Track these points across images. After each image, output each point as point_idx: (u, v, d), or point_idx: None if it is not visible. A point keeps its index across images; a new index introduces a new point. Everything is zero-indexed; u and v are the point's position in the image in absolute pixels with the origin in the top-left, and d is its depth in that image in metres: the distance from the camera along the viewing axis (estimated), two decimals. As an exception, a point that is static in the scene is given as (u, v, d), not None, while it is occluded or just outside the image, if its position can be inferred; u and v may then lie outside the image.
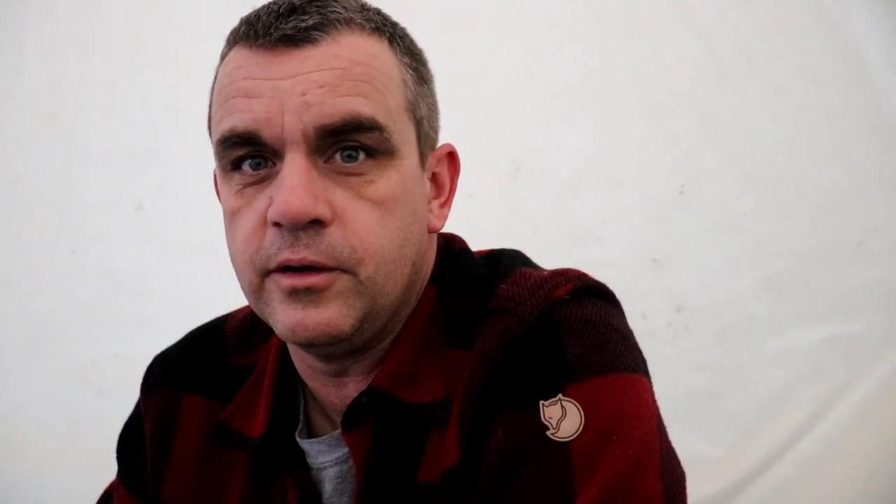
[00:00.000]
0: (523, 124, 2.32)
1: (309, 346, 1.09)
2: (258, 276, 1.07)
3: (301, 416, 1.24)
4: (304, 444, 1.21)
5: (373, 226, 1.06)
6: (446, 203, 1.20)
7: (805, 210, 2.16)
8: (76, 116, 2.49)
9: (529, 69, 2.32)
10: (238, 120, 1.05)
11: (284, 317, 1.06)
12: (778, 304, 2.16)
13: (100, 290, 2.44)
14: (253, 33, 1.06)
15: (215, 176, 1.18)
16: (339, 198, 1.05)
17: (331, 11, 1.06)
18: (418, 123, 1.12)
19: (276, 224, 1.04)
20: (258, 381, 1.26)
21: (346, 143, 1.04)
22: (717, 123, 2.22)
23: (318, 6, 1.06)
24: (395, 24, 1.14)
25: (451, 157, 1.21)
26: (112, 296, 2.44)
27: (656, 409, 1.07)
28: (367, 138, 1.04)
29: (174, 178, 2.45)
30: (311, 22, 1.04)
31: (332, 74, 1.03)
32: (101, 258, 2.43)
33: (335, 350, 1.12)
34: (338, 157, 1.05)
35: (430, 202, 1.17)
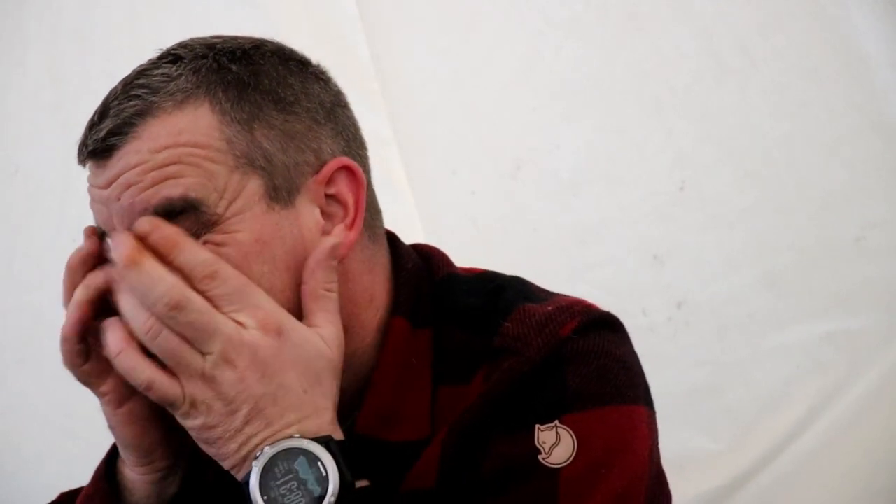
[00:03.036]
0: (524, 123, 2.32)
1: None
2: None
3: None
4: None
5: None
6: (353, 224, 1.13)
7: (804, 206, 2.17)
8: (76, 108, 2.48)
9: (530, 68, 2.32)
10: (96, 222, 1.12)
11: None
12: (778, 299, 2.16)
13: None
14: (77, 152, 1.12)
15: None
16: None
17: (129, 106, 1.07)
18: (263, 169, 1.08)
19: None
20: None
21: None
22: (716, 121, 2.22)
23: (117, 102, 1.08)
24: (218, 67, 1.11)
25: (348, 171, 1.14)
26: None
27: (652, 438, 1.10)
28: (185, 222, 1.04)
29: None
30: (104, 132, 1.07)
31: (134, 173, 1.05)
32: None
33: None
34: None
35: (325, 230, 1.12)
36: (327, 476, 0.98)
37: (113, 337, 1.02)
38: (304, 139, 1.12)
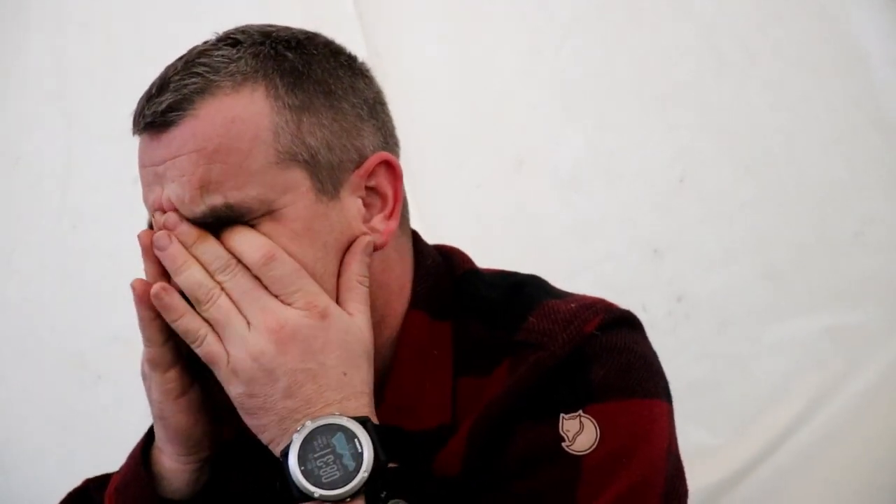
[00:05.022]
0: (526, 118, 2.33)
1: None
2: None
3: None
4: None
5: None
6: (392, 214, 1.20)
7: (804, 201, 2.17)
8: (78, 95, 2.48)
9: (531, 64, 2.33)
10: (146, 200, 1.17)
11: None
12: (777, 294, 2.17)
13: (100, 271, 2.44)
14: (134, 121, 1.16)
15: None
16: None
17: (191, 83, 1.13)
18: (307, 164, 1.14)
19: None
20: None
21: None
22: (716, 116, 2.23)
23: (178, 78, 1.14)
24: (275, 54, 1.17)
25: (388, 165, 1.20)
26: (112, 277, 2.43)
27: (670, 431, 1.14)
28: (231, 219, 1.12)
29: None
30: (164, 106, 1.12)
31: (187, 161, 1.11)
32: (101, 235, 2.43)
33: None
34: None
35: (365, 220, 1.18)
36: (362, 453, 1.03)
37: (173, 299, 1.09)
38: (349, 136, 1.17)
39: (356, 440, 1.03)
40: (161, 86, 1.14)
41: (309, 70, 1.17)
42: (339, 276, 1.14)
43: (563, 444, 1.08)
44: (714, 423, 2.18)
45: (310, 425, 1.04)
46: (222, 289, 1.09)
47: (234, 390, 1.07)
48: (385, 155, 1.19)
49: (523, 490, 1.08)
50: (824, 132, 2.17)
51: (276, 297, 1.09)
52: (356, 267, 1.13)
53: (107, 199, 2.46)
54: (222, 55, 1.15)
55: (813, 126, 2.18)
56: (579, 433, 1.08)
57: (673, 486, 1.11)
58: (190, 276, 1.09)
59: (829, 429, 2.12)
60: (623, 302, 1.23)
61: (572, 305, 1.17)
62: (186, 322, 1.09)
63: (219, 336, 1.08)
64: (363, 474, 1.02)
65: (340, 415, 1.05)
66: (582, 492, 1.06)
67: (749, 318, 2.18)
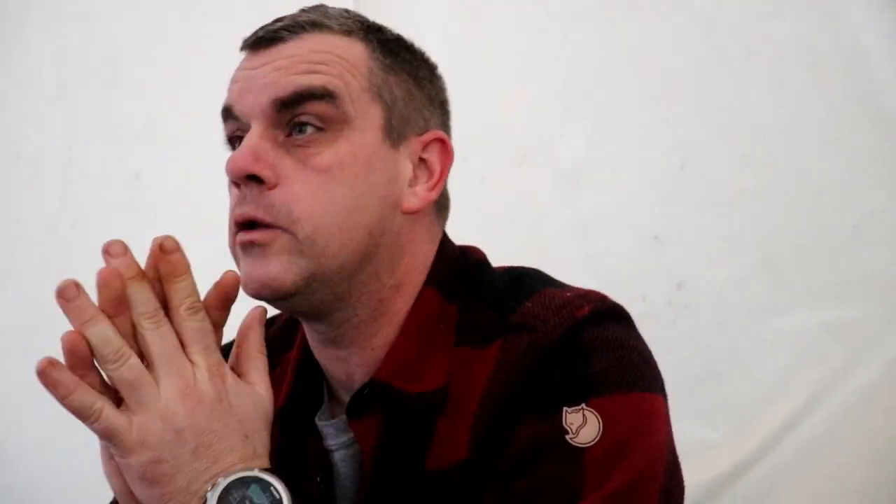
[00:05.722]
0: (527, 113, 2.35)
1: (259, 298, 1.18)
2: (231, 235, 1.21)
3: (325, 399, 1.32)
4: (319, 425, 1.29)
5: (314, 190, 1.17)
6: (434, 187, 1.28)
7: (802, 196, 2.17)
8: (79, 91, 2.49)
9: (533, 59, 2.35)
10: (225, 99, 1.24)
11: (241, 270, 1.17)
12: (776, 288, 2.17)
13: (100, 266, 2.44)
14: (245, 41, 1.26)
15: None
16: (287, 166, 1.18)
17: (305, 17, 1.25)
18: (387, 105, 1.23)
19: (235, 186, 1.19)
20: (289, 360, 1.36)
21: (299, 115, 1.19)
22: (716, 110, 2.23)
23: (294, 14, 1.26)
24: (378, 29, 1.30)
25: (442, 144, 1.30)
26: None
27: (668, 426, 1.17)
28: (318, 106, 1.19)
29: (173, 150, 2.48)
30: (277, 27, 1.23)
31: (289, 60, 1.20)
32: (100, 233, 2.43)
33: (285, 305, 1.22)
34: (294, 132, 1.19)
35: (411, 184, 1.25)
36: (281, 499, 1.01)
37: (63, 375, 1.01)
38: (421, 104, 1.29)
39: (272, 488, 1.01)
40: (277, 20, 1.25)
41: (399, 50, 1.29)
42: (236, 347, 1.13)
43: (567, 437, 1.09)
44: (713, 418, 2.18)
45: (222, 482, 1.01)
46: (136, 341, 1.04)
47: (137, 460, 1.01)
48: (443, 134, 1.30)
49: (526, 483, 1.09)
50: (823, 128, 2.17)
51: (185, 350, 1.05)
52: (254, 338, 1.12)
53: (107, 197, 2.47)
54: (337, 11, 1.27)
55: (812, 122, 2.17)
56: (582, 426, 1.10)
57: (672, 479, 1.13)
58: (98, 332, 1.02)
59: (828, 424, 2.12)
60: (624, 293, 1.26)
61: (567, 294, 1.21)
62: (80, 398, 1.01)
63: (115, 404, 1.03)
64: None
65: (252, 468, 1.03)
66: (586, 483, 1.07)
67: (748, 312, 2.19)
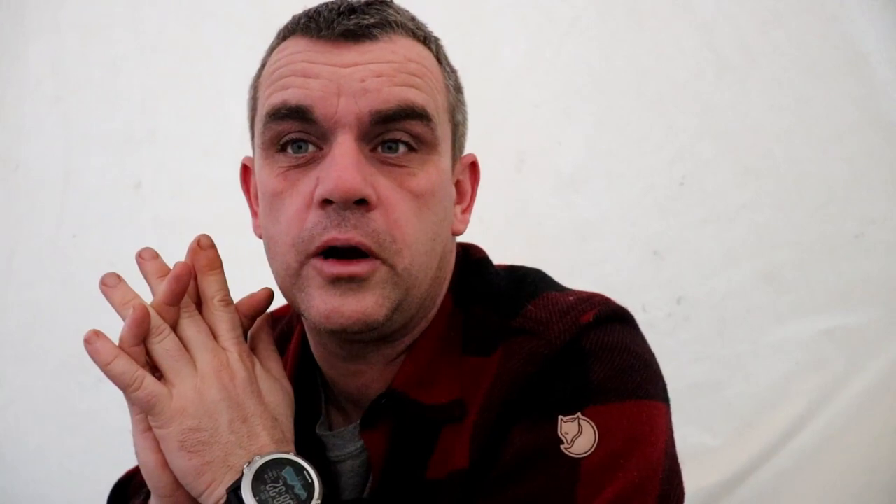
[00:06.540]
0: (527, 119, 2.34)
1: (342, 332, 1.12)
2: (298, 260, 1.11)
3: (322, 411, 1.30)
4: (323, 435, 1.27)
5: (411, 217, 1.11)
6: (467, 209, 1.27)
7: (804, 202, 2.17)
8: (77, 99, 2.49)
9: (532, 65, 2.33)
10: (291, 95, 1.10)
11: (321, 303, 1.09)
12: (777, 295, 2.17)
13: (100, 275, 2.44)
14: (314, 26, 1.12)
15: (244, 165, 1.26)
16: (383, 185, 1.09)
17: (389, 15, 1.13)
18: (455, 127, 1.20)
19: (324, 204, 1.08)
20: None
21: (393, 132, 1.10)
22: (716, 116, 2.23)
23: (376, 9, 1.14)
24: (437, 39, 1.22)
25: (474, 166, 1.29)
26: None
27: (668, 433, 1.14)
28: (417, 126, 1.10)
29: (173, 158, 2.47)
30: (371, 21, 1.11)
31: (389, 67, 1.10)
32: (101, 242, 2.43)
33: (363, 336, 1.16)
34: (380, 148, 1.10)
35: (454, 205, 1.23)
36: (313, 483, 1.05)
37: (105, 344, 1.08)
38: (467, 128, 1.26)
39: (305, 472, 1.06)
40: (356, 7, 1.14)
41: (449, 60, 1.24)
42: (253, 346, 1.19)
43: (562, 447, 1.07)
44: (714, 424, 2.18)
45: (258, 460, 1.04)
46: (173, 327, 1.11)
47: (178, 428, 1.05)
48: (475, 157, 1.29)
49: (521, 492, 1.07)
50: (824, 133, 2.17)
51: (216, 339, 1.13)
52: (267, 339, 1.20)
53: (106, 205, 2.47)
54: (405, 13, 1.19)
55: (813, 127, 2.17)
56: (578, 435, 1.08)
57: (669, 488, 1.10)
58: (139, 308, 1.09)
59: (829, 430, 2.12)
60: (623, 303, 1.23)
61: (570, 298, 1.18)
62: (121, 365, 1.06)
63: (155, 377, 1.08)
64: (317, 502, 1.05)
65: (286, 451, 1.08)
66: (580, 494, 1.05)
67: (749, 319, 2.18)
